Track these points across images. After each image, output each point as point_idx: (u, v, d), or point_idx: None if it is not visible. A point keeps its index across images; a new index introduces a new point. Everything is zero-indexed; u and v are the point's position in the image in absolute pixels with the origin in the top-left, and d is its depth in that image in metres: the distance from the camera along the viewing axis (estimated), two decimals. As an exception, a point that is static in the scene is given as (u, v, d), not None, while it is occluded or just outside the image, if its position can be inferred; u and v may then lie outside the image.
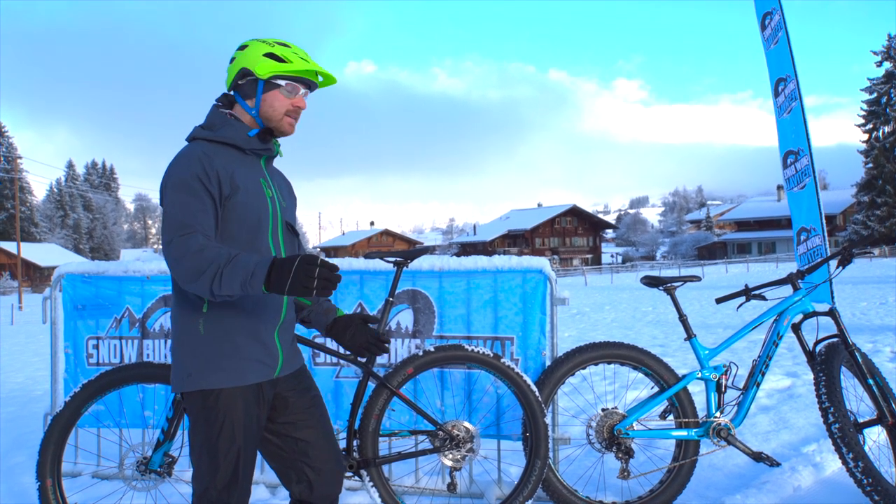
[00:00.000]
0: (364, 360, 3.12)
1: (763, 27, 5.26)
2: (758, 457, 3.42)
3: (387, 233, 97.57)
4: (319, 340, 3.88)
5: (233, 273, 2.03)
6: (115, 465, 4.04)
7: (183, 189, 2.19)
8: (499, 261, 3.78)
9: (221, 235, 2.26)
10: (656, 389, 3.61)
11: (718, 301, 3.66)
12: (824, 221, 4.62)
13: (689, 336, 3.56)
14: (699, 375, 3.52)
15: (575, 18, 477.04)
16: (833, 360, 3.42)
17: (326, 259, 2.07)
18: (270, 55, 2.31)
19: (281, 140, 2.47)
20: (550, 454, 3.44)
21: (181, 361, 2.28)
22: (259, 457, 2.49)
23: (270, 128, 2.36)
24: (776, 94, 5.16)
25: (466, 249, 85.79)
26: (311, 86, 2.40)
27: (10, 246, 65.89)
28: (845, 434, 3.21)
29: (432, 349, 3.43)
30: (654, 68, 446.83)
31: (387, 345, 2.73)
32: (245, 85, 2.34)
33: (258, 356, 2.28)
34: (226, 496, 2.26)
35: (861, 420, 3.44)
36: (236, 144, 2.30)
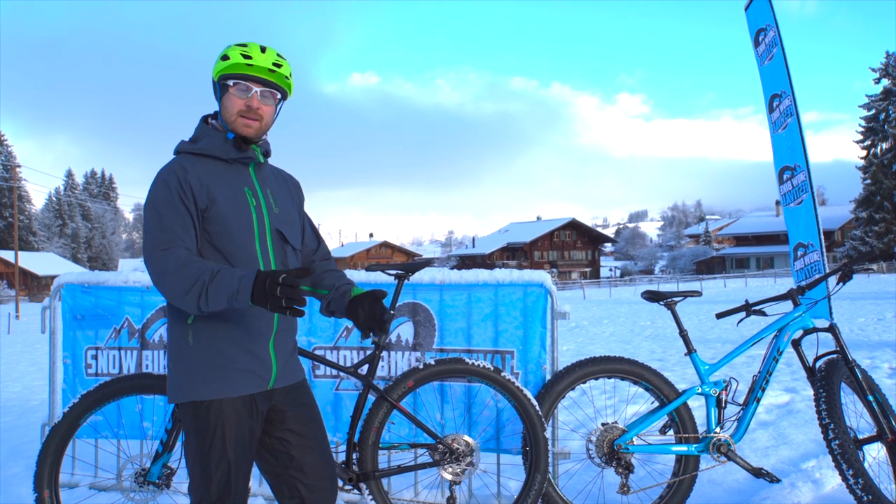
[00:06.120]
0: (364, 372, 3.13)
1: (756, 43, 5.28)
2: (758, 472, 3.42)
3: (386, 245, 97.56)
4: (319, 352, 3.88)
5: (217, 290, 2.04)
6: (113, 476, 4.02)
7: (160, 204, 2.20)
8: (500, 274, 3.78)
9: (206, 247, 2.25)
10: (656, 404, 3.60)
11: (719, 316, 3.67)
12: (822, 237, 4.62)
13: (690, 351, 3.56)
14: (699, 391, 3.52)
15: (577, 34, 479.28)
16: (833, 376, 3.42)
17: (294, 271, 2.02)
18: (223, 56, 2.30)
19: (274, 149, 2.47)
20: (550, 468, 3.43)
21: (173, 372, 2.28)
22: (257, 469, 2.48)
23: (235, 132, 2.31)
24: (770, 109, 5.18)
25: (465, 262, 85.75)
26: (271, 86, 2.31)
27: (7, 255, 65.77)
28: (845, 450, 3.21)
29: (433, 362, 3.43)
30: (657, 83, 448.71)
31: (385, 327, 2.54)
32: (214, 92, 2.37)
33: (250, 367, 2.27)
34: None
35: (861, 436, 3.43)
36: (216, 155, 2.30)
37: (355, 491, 3.22)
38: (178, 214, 2.20)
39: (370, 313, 2.46)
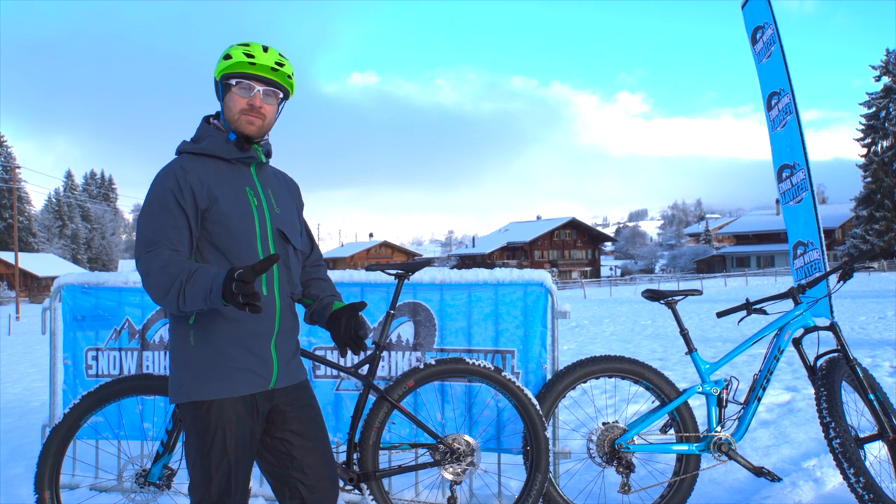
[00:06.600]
0: (365, 373, 3.12)
1: (754, 41, 5.27)
2: (759, 472, 3.41)
3: (386, 244, 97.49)
4: (320, 353, 3.87)
5: (193, 289, 2.04)
6: (113, 477, 4.02)
7: (154, 205, 2.21)
8: (500, 274, 3.78)
9: (208, 247, 2.26)
10: (657, 403, 3.60)
11: (720, 315, 3.66)
12: (822, 235, 4.62)
13: (690, 350, 3.56)
14: (700, 390, 3.51)
15: (577, 33, 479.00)
16: (834, 374, 3.42)
17: (253, 266, 1.98)
18: (225, 55, 2.32)
19: (274, 149, 2.47)
20: (551, 468, 3.43)
21: (175, 373, 2.29)
22: (258, 470, 2.48)
23: (238, 131, 2.33)
24: (769, 107, 5.17)
25: (465, 262, 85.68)
26: (273, 85, 2.33)
27: (8, 256, 65.77)
28: (847, 449, 3.21)
29: (433, 362, 3.42)
30: (657, 82, 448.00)
31: (362, 344, 2.48)
32: (216, 92, 2.38)
33: (251, 366, 2.27)
34: None
35: (862, 435, 3.43)
36: (218, 155, 2.31)
37: (356, 491, 3.22)
38: (171, 215, 2.20)
39: (346, 329, 2.46)
